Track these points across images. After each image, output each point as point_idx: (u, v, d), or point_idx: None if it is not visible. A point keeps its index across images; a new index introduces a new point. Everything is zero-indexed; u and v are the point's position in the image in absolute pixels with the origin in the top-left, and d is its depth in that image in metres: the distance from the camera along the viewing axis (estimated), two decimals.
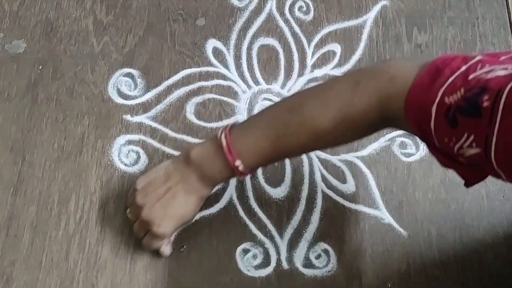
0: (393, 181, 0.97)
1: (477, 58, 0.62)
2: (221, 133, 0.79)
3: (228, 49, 1.06)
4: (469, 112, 0.57)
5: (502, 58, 0.61)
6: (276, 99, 1.02)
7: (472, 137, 0.57)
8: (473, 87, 0.57)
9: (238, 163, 0.77)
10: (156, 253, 0.89)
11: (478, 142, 0.57)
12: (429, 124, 0.62)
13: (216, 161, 0.79)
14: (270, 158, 0.80)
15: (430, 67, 0.64)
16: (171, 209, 0.82)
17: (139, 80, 1.02)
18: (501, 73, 0.57)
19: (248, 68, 1.05)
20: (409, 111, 0.64)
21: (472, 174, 0.66)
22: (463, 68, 0.61)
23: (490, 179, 0.91)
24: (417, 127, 0.65)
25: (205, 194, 0.84)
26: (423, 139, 0.68)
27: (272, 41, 1.08)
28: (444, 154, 0.65)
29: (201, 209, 0.91)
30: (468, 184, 0.68)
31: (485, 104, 0.55)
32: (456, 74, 0.61)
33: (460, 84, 0.59)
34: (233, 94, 1.03)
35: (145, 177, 0.85)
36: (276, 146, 0.77)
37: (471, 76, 0.59)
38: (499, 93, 0.54)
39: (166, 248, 0.88)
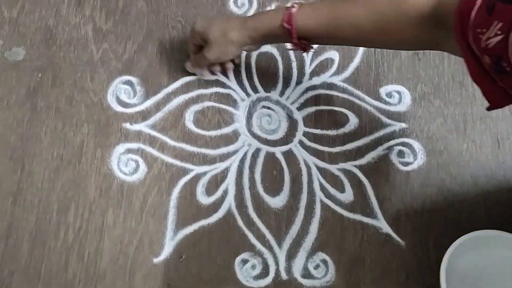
0: (391, 190, 0.96)
1: None
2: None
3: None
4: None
5: None
6: (275, 107, 1.00)
7: (500, 24, 0.59)
8: None
9: (294, 10, 0.82)
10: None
11: (503, 28, 0.59)
12: (470, 13, 0.63)
13: (272, 13, 0.87)
14: (324, 26, 0.83)
15: None
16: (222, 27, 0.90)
17: (138, 88, 1.00)
18: None
19: (247, 76, 1.03)
20: (460, 4, 0.65)
21: (496, 93, 0.66)
22: None
23: (488, 189, 0.90)
24: (460, 20, 0.65)
25: (246, 39, 0.89)
26: (462, 40, 0.67)
27: (270, 49, 1.06)
28: (475, 59, 0.65)
29: (200, 219, 0.90)
30: (491, 106, 0.68)
31: None
32: None
33: None
34: (232, 102, 1.01)
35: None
36: (334, 11, 0.81)
37: None
38: None
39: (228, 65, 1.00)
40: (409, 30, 0.76)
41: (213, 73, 1.00)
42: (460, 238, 0.83)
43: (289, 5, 0.84)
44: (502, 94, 0.65)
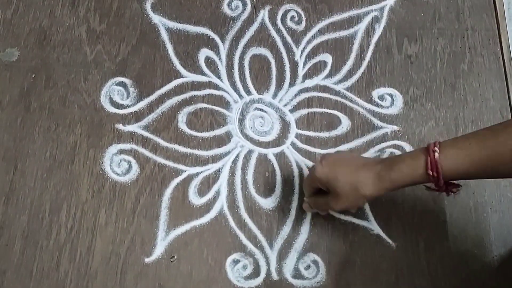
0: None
1: None
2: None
3: (220, 59, 1.05)
4: None
5: None
6: (268, 109, 1.01)
7: None
8: None
9: (436, 154, 0.74)
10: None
11: None
12: None
13: (410, 160, 0.77)
14: (477, 167, 0.73)
15: None
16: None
17: (131, 89, 1.00)
18: None
19: (240, 77, 1.04)
20: None
21: None
22: None
23: (478, 191, 0.90)
24: None
25: (381, 193, 0.80)
26: None
27: (264, 51, 1.06)
28: None
29: (192, 219, 0.90)
30: None
31: None
32: None
33: None
34: (225, 104, 1.01)
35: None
36: (489, 148, 0.72)
37: None
38: None
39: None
40: None
41: None
42: None
43: (426, 146, 0.76)
44: None
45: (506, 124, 0.73)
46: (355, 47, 1.09)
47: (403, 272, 0.91)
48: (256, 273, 0.89)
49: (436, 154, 0.74)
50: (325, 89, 1.04)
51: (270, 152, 0.98)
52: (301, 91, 1.04)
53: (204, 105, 1.01)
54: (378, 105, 1.03)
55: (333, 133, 1.00)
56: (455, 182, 0.79)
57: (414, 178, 0.77)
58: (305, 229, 0.93)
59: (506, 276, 0.91)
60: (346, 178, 0.80)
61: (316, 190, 0.87)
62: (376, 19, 1.10)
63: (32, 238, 0.89)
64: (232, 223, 0.92)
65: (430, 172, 0.74)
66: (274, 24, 1.09)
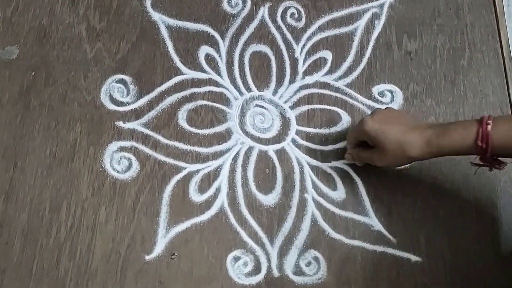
0: (383, 188, 0.96)
1: None
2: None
3: (220, 56, 1.05)
4: None
5: None
6: (268, 106, 1.00)
7: None
8: None
9: (489, 127, 0.74)
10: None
11: None
12: None
13: (461, 129, 0.78)
14: None
15: None
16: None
17: (131, 87, 1.00)
18: None
19: (240, 74, 1.03)
20: None
21: None
22: None
23: (478, 187, 0.90)
24: None
25: (426, 157, 0.82)
26: None
27: (264, 48, 1.06)
28: None
29: (192, 216, 0.90)
30: None
31: None
32: None
33: None
34: (225, 101, 1.01)
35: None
36: None
37: None
38: None
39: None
40: None
41: None
42: None
43: (480, 118, 0.77)
44: None
45: None
46: (355, 43, 1.08)
47: (403, 268, 0.90)
48: (257, 270, 0.89)
49: (489, 127, 0.74)
50: (325, 85, 1.04)
51: (271, 149, 0.98)
52: (301, 87, 1.03)
53: (204, 102, 1.00)
54: (378, 102, 1.03)
55: (334, 129, 1.00)
56: (501, 159, 0.79)
57: (462, 148, 0.78)
58: (305, 225, 0.92)
59: (507, 271, 0.90)
60: (395, 136, 0.81)
61: (359, 143, 0.90)
62: (375, 16, 1.10)
63: (32, 236, 0.88)
64: (232, 220, 0.92)
65: (480, 143, 0.75)
66: (274, 21, 1.09)
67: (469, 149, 0.77)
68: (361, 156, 0.91)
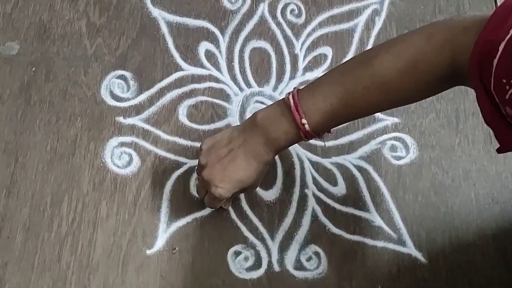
0: (384, 184, 0.97)
1: None
2: (289, 95, 0.77)
3: (220, 52, 1.06)
4: None
5: None
6: (268, 102, 1.01)
7: None
8: None
9: (304, 121, 0.75)
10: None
11: None
12: (492, 61, 0.59)
13: (282, 121, 0.77)
14: (337, 117, 0.77)
15: (505, 4, 0.61)
16: (230, 172, 0.80)
17: (132, 82, 1.01)
18: None
19: (240, 70, 1.04)
20: (476, 47, 0.62)
21: (509, 138, 0.64)
22: None
23: (479, 183, 0.91)
24: (479, 66, 0.62)
25: (267, 160, 0.81)
26: (479, 85, 0.63)
27: (264, 44, 1.07)
28: (492, 103, 0.62)
29: (193, 211, 0.91)
30: (501, 149, 0.66)
31: None
32: None
33: None
34: (225, 97, 1.02)
35: (211, 139, 0.84)
36: (345, 102, 0.74)
37: None
38: None
39: (226, 205, 0.90)
40: (429, 91, 0.78)
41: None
42: None
43: (292, 111, 0.77)
44: None
45: (356, 63, 0.77)
46: (355, 40, 1.09)
47: (404, 263, 0.91)
48: (257, 264, 0.90)
49: (307, 126, 0.76)
50: None
51: None
52: (302, 83, 1.04)
53: (204, 98, 1.01)
54: None
55: None
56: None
57: (293, 142, 0.80)
58: (306, 220, 0.93)
59: (508, 267, 0.92)
60: (246, 178, 0.82)
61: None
62: (376, 12, 1.11)
63: (34, 230, 0.89)
64: (233, 215, 0.93)
65: (305, 139, 0.79)
66: (274, 17, 1.10)
67: (298, 137, 0.79)
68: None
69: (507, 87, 0.58)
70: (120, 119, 0.98)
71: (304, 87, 0.79)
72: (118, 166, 0.95)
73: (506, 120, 0.62)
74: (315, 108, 0.75)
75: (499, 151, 0.67)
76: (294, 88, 0.78)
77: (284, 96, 0.78)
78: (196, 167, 0.88)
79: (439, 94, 0.98)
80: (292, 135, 0.78)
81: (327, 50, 1.08)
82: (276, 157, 0.97)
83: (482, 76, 0.62)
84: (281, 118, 0.78)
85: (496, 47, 0.58)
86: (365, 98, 0.74)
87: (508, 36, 0.58)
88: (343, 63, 0.80)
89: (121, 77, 1.01)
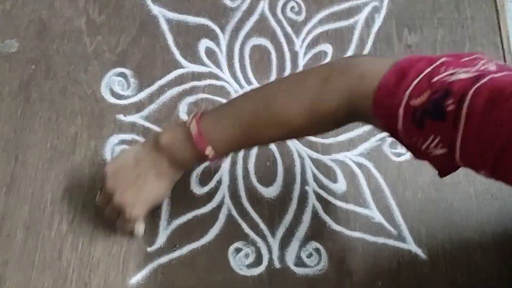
0: (384, 180, 0.97)
1: (441, 60, 0.62)
2: (191, 120, 0.78)
3: (220, 49, 1.06)
4: (434, 115, 0.59)
5: (464, 59, 0.62)
6: None
7: (438, 139, 0.60)
8: (438, 90, 0.59)
9: (208, 151, 0.77)
10: (131, 234, 0.90)
11: (444, 144, 0.59)
12: (396, 125, 0.63)
13: (186, 148, 0.79)
14: (240, 146, 0.83)
15: (396, 68, 0.64)
16: (143, 194, 0.83)
17: (132, 80, 1.01)
18: (463, 76, 0.58)
19: (240, 68, 1.05)
20: (377, 110, 0.65)
21: (444, 165, 0.66)
22: (428, 70, 0.61)
23: (479, 179, 0.91)
24: (385, 126, 0.66)
25: (177, 178, 0.86)
26: (393, 136, 0.68)
27: (264, 41, 1.08)
28: (413, 150, 0.66)
29: (194, 208, 0.91)
30: (441, 174, 0.67)
31: (450, 108, 0.57)
32: (421, 76, 0.61)
33: (426, 86, 0.60)
34: (226, 94, 1.02)
35: (114, 163, 0.84)
36: (247, 135, 0.77)
37: (435, 79, 0.60)
38: (462, 97, 0.56)
39: (139, 228, 0.88)
40: (330, 128, 0.78)
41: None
42: None
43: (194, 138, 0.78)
44: (450, 164, 0.64)
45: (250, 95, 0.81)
46: (355, 37, 1.10)
47: (404, 259, 0.92)
48: (258, 261, 0.90)
49: (211, 155, 0.78)
50: None
51: None
52: None
53: (205, 95, 1.02)
54: None
55: None
56: None
57: (200, 162, 0.91)
58: (306, 217, 0.94)
59: (506, 262, 0.92)
60: (159, 197, 0.87)
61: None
62: (376, 9, 1.12)
63: (34, 228, 0.90)
64: (234, 212, 0.93)
65: (210, 163, 0.88)
66: (274, 14, 1.10)
67: (201, 158, 0.80)
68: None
69: (419, 144, 0.62)
70: (121, 116, 0.98)
71: (206, 114, 0.79)
72: None
73: (433, 158, 0.64)
74: (218, 137, 0.78)
75: (440, 176, 0.68)
76: (197, 112, 0.79)
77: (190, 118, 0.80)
78: (99, 192, 0.87)
79: None
80: (197, 159, 0.81)
81: (327, 48, 1.08)
82: (277, 154, 0.98)
83: (393, 135, 0.66)
84: (186, 144, 0.79)
85: (395, 114, 0.62)
86: (266, 132, 0.76)
87: (404, 102, 0.61)
88: (245, 96, 0.81)
89: (121, 74, 1.02)
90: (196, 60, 1.05)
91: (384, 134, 0.94)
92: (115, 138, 0.97)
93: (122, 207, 0.83)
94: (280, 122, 0.74)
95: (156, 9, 1.08)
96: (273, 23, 1.09)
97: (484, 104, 0.55)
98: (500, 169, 0.56)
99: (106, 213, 0.87)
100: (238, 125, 0.77)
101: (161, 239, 0.91)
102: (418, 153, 0.65)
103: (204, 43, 1.06)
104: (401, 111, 0.62)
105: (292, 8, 1.11)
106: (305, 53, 1.07)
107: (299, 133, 0.81)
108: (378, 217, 0.95)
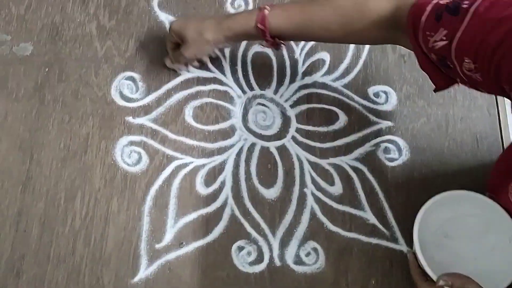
0: (378, 184, 1.02)
1: None
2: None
3: (224, 55, 1.10)
4: (451, 11, 0.73)
5: None
6: (270, 104, 1.06)
7: (445, 32, 0.73)
8: None
9: (266, 11, 0.90)
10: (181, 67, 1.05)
11: (447, 36, 0.73)
12: (420, 18, 0.77)
13: (246, 14, 0.94)
14: (295, 26, 0.91)
15: None
16: (202, 38, 0.96)
17: (140, 83, 1.05)
18: None
19: (243, 74, 1.09)
20: (412, 9, 0.79)
21: (441, 80, 0.83)
22: None
23: (469, 185, 0.96)
24: (412, 23, 0.79)
25: (225, 44, 0.99)
26: (413, 40, 0.80)
27: (265, 49, 1.11)
28: (423, 53, 0.80)
29: (199, 208, 0.96)
30: (437, 89, 0.85)
31: (464, 6, 0.71)
32: None
33: None
34: (229, 99, 1.07)
35: (179, 19, 1.06)
36: (304, 13, 0.89)
37: None
38: (475, 0, 0.71)
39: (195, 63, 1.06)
40: (371, 31, 0.87)
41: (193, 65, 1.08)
42: (435, 196, 0.92)
43: (262, 6, 0.92)
44: (446, 79, 0.82)
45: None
46: (352, 46, 1.15)
47: (396, 259, 0.97)
48: (259, 259, 0.95)
49: (266, 11, 0.90)
50: (323, 86, 1.10)
51: (272, 145, 1.04)
52: (301, 87, 1.09)
53: (209, 99, 1.06)
54: (373, 102, 1.09)
55: (331, 127, 1.06)
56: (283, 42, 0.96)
57: (247, 29, 0.93)
58: (305, 218, 0.99)
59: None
60: (193, 26, 0.96)
61: (175, 46, 1.02)
62: None
63: (49, 224, 0.94)
64: (237, 212, 0.98)
65: (259, 25, 0.90)
66: None
67: (253, 30, 0.92)
68: (175, 55, 1.03)
69: (429, 38, 0.76)
70: (130, 119, 1.02)
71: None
72: (128, 164, 0.99)
73: (435, 65, 0.81)
74: (279, 9, 0.91)
75: (435, 90, 0.86)
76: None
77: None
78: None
79: (430, 99, 1.05)
80: (251, 25, 0.92)
81: (325, 56, 1.13)
82: (277, 157, 1.02)
83: (415, 32, 0.78)
84: (247, 12, 0.95)
85: (424, 8, 0.76)
86: (320, 15, 0.89)
87: (435, 1, 0.76)
88: None
89: (130, 78, 1.06)
90: (201, 65, 1.08)
91: (379, 139, 1.00)
92: (124, 139, 1.01)
93: (184, 39, 0.97)
94: (333, 5, 0.87)
95: (163, 16, 1.12)
96: None
97: (486, 6, 0.69)
98: (492, 65, 0.70)
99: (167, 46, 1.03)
100: (299, 12, 0.90)
101: (168, 236, 0.95)
102: (423, 57, 0.81)
103: None
104: (429, 7, 0.76)
105: None
106: (304, 61, 1.12)
107: (347, 28, 0.88)
108: (372, 219, 1.00)
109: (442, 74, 0.82)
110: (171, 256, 0.94)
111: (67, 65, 1.05)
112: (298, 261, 0.96)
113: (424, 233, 0.90)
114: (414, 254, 0.91)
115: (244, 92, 1.07)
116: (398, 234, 0.99)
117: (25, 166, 0.97)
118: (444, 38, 0.73)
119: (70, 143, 0.99)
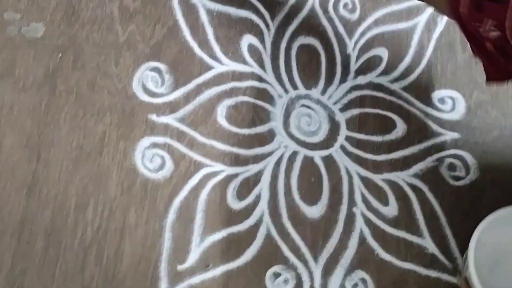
0: (440, 207, 0.99)
1: None
2: None
3: (265, 47, 1.07)
4: None
5: None
6: (315, 107, 1.03)
7: (491, 21, 0.71)
8: None
9: None
10: None
11: (497, 26, 0.70)
12: (458, 10, 0.75)
13: None
14: None
15: None
16: None
17: (166, 76, 1.03)
18: None
19: (286, 69, 1.06)
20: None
21: (494, 70, 0.79)
22: None
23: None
24: (454, 14, 0.77)
25: None
26: (463, 30, 0.79)
27: (313, 41, 1.09)
28: (475, 38, 0.77)
29: (229, 225, 0.93)
30: (488, 80, 0.81)
31: None
32: None
33: None
34: (269, 98, 1.04)
35: None
36: None
37: None
38: None
39: None
40: None
41: None
42: (493, 213, 0.89)
43: None
44: (501, 70, 0.79)
45: None
46: (414, 42, 1.11)
47: None
48: None
49: None
50: (379, 87, 1.07)
51: (317, 155, 1.01)
52: (353, 88, 1.06)
53: (245, 98, 1.03)
54: (437, 109, 1.06)
55: (387, 137, 1.03)
56: None
57: None
58: (353, 243, 0.96)
59: None
60: None
61: None
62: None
63: (56, 236, 0.92)
64: (273, 232, 0.95)
65: None
66: (325, 11, 1.11)
67: None
68: None
69: (479, 28, 0.74)
70: (153, 116, 1.00)
71: None
72: (149, 170, 0.97)
73: (489, 53, 0.77)
74: None
75: (487, 82, 0.82)
76: None
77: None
78: None
79: (505, 109, 1.02)
80: None
81: (383, 52, 1.10)
82: (323, 169, 0.99)
83: (459, 23, 0.78)
84: None
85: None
86: None
87: None
88: None
89: (155, 69, 1.03)
90: (238, 57, 1.06)
91: (442, 154, 0.96)
92: (146, 141, 0.99)
93: None
94: None
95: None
96: (324, 21, 1.10)
97: None
98: None
99: None
100: None
101: (193, 256, 0.93)
102: (477, 42, 0.78)
103: (247, 39, 1.08)
104: None
105: (345, 5, 1.12)
106: (358, 57, 1.09)
107: None
108: (432, 248, 0.97)
109: (498, 65, 0.79)
110: (196, 280, 0.92)
111: (83, 51, 1.03)
112: None
113: (478, 256, 0.87)
114: (466, 280, 0.88)
115: (286, 91, 1.05)
116: (461, 266, 0.95)
117: (31, 167, 0.95)
118: (493, 28, 0.71)
119: (83, 142, 0.98)
